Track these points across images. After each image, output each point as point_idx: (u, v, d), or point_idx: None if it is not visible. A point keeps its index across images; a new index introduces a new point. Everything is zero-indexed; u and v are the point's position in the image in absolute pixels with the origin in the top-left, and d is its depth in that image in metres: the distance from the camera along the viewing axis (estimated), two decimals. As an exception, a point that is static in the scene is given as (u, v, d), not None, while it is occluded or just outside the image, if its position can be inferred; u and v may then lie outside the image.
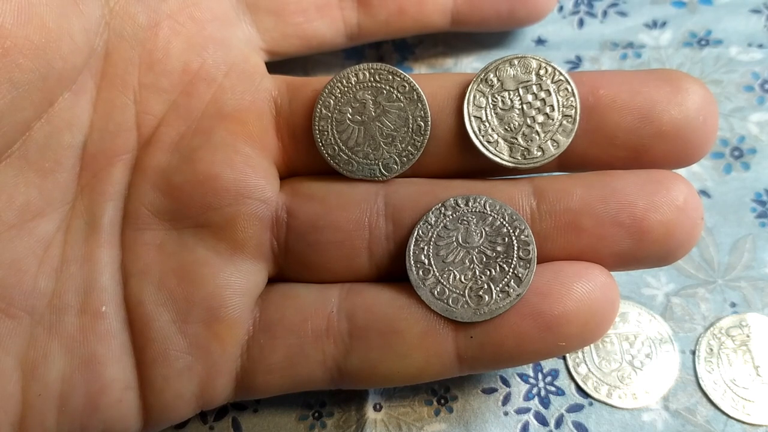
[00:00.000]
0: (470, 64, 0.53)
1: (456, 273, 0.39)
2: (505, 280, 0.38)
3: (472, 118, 0.40)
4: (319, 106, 0.41)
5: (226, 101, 0.41)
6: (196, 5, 0.41)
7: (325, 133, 0.41)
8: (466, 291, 0.38)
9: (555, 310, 0.37)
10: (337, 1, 0.46)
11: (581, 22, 0.54)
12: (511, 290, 0.38)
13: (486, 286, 0.38)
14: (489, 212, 0.39)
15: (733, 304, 0.45)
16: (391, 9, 0.47)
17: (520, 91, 0.40)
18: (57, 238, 0.38)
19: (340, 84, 0.41)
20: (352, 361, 0.39)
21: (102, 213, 0.39)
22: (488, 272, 0.38)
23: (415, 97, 0.40)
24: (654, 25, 0.53)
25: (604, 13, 0.54)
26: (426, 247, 0.39)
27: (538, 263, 0.38)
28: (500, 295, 0.38)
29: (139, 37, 0.40)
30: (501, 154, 0.39)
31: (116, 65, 0.40)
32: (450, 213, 0.39)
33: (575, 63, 0.53)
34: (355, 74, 0.41)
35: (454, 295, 0.38)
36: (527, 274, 0.38)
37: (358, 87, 0.41)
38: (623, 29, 0.53)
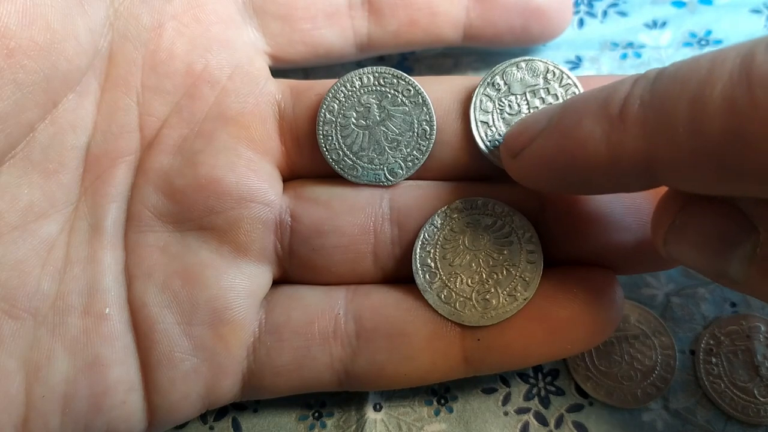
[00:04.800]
0: (471, 64, 0.52)
1: (463, 276, 0.39)
2: (512, 283, 0.38)
3: (479, 123, 0.40)
4: (323, 111, 0.41)
5: (229, 104, 0.41)
6: (200, 7, 0.41)
7: (330, 137, 0.41)
8: (473, 295, 0.38)
9: (562, 314, 0.37)
10: (347, 9, 0.45)
11: (581, 22, 0.54)
12: (518, 294, 0.38)
13: (493, 290, 0.38)
14: (495, 215, 0.39)
15: (733, 304, 0.45)
16: (403, 19, 0.46)
17: (528, 95, 0.40)
18: (60, 239, 0.38)
19: (344, 88, 0.41)
20: (359, 363, 0.39)
21: (105, 214, 0.39)
22: (495, 276, 0.38)
23: (421, 101, 0.40)
24: (654, 25, 0.53)
25: (604, 13, 0.54)
26: (432, 251, 0.39)
27: (544, 267, 0.38)
28: (507, 299, 0.38)
29: (142, 38, 0.40)
30: (508, 160, 0.39)
31: (119, 66, 0.39)
32: (456, 216, 0.39)
33: (575, 63, 0.53)
34: (359, 78, 0.41)
35: (461, 298, 0.38)
36: (534, 278, 0.38)
37: (362, 91, 0.41)
38: (623, 29, 0.53)
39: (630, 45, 0.53)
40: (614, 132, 0.29)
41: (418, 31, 0.46)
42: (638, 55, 0.53)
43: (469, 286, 0.39)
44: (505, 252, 0.39)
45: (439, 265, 0.39)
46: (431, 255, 0.39)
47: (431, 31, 0.46)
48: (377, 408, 0.44)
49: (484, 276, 0.39)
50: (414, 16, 0.46)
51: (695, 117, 0.26)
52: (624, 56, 0.53)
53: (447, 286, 0.39)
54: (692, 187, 0.29)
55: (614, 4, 0.54)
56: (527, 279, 0.38)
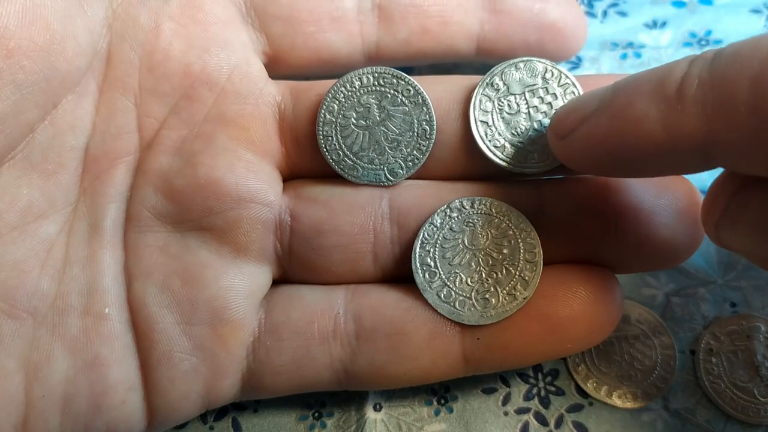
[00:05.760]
0: (470, 64, 0.52)
1: (462, 276, 0.39)
2: (512, 282, 0.38)
3: (479, 123, 0.40)
4: (323, 111, 0.41)
5: (228, 106, 0.41)
6: (199, 7, 0.41)
7: (330, 138, 0.41)
8: (473, 294, 0.38)
9: (561, 313, 0.37)
10: (355, 14, 0.44)
11: (581, 22, 0.54)
12: (518, 293, 0.38)
13: (492, 289, 0.38)
14: (495, 214, 0.39)
15: (733, 304, 0.45)
16: (414, 27, 0.45)
17: (527, 95, 0.40)
18: (59, 239, 0.38)
19: (343, 88, 0.41)
20: (359, 362, 0.39)
21: (104, 215, 0.39)
22: (494, 275, 0.39)
23: (420, 101, 0.40)
24: (654, 25, 0.53)
25: (604, 13, 0.54)
26: (432, 250, 0.39)
27: (543, 266, 0.38)
28: (507, 298, 0.38)
29: (139, 39, 0.40)
30: (508, 159, 0.39)
31: (117, 68, 0.39)
32: (455, 215, 0.39)
33: (575, 63, 0.53)
34: (359, 78, 0.41)
35: (461, 297, 0.38)
36: (533, 277, 0.38)
37: (362, 91, 0.41)
38: (623, 29, 0.53)
39: (630, 45, 0.53)
40: (671, 112, 0.29)
41: (430, 41, 0.45)
42: (638, 55, 0.53)
43: (468, 285, 0.39)
44: (505, 251, 0.39)
45: (438, 265, 0.39)
46: (431, 254, 0.39)
47: (443, 41, 0.45)
48: (377, 408, 0.44)
49: (483, 275, 0.39)
50: (426, 25, 0.45)
51: (757, 96, 0.26)
52: (624, 56, 0.53)
53: (446, 285, 0.39)
54: (750, 169, 0.29)
55: (614, 4, 0.54)
56: (527, 278, 0.38)
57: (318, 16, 0.44)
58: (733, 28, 0.53)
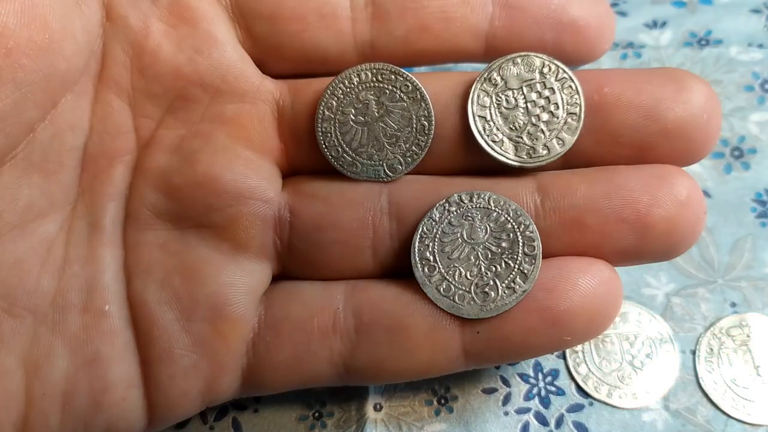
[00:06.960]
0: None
1: (461, 269, 0.39)
2: (511, 276, 0.38)
3: (477, 118, 0.40)
4: (321, 108, 0.41)
5: (225, 104, 0.41)
6: (187, 8, 0.40)
7: (329, 134, 0.41)
8: (472, 287, 0.38)
9: (561, 306, 0.37)
10: (346, 11, 0.42)
11: (581, 23, 0.54)
12: (517, 286, 0.38)
13: (492, 283, 0.38)
14: (493, 208, 0.39)
15: (733, 304, 0.46)
16: (412, 24, 0.42)
17: (524, 89, 0.40)
18: (59, 238, 0.38)
19: (342, 85, 0.41)
20: (359, 357, 0.39)
21: (103, 213, 0.39)
22: (494, 268, 0.38)
23: (419, 96, 0.40)
24: (654, 25, 0.53)
25: (604, 14, 0.54)
26: (431, 244, 0.39)
27: (542, 259, 0.38)
28: (506, 291, 0.38)
29: (130, 40, 0.39)
30: (506, 154, 0.39)
31: (110, 68, 0.39)
32: (454, 209, 0.39)
33: (575, 63, 0.53)
34: (357, 74, 0.41)
35: (460, 291, 0.38)
36: (533, 270, 0.38)
37: (360, 87, 0.41)
38: (623, 29, 0.53)
39: (630, 45, 0.53)
40: None
41: (431, 38, 0.42)
42: (638, 55, 0.53)
43: (468, 279, 0.39)
44: (504, 244, 0.39)
45: (437, 259, 0.39)
46: (430, 248, 0.39)
47: (446, 39, 0.42)
48: (377, 408, 0.44)
49: (482, 269, 0.39)
50: (426, 21, 0.41)
51: None
52: (624, 56, 0.53)
53: (446, 279, 0.39)
54: None
55: (614, 4, 0.54)
56: (526, 271, 0.38)
57: (304, 12, 0.41)
58: (733, 28, 0.53)
